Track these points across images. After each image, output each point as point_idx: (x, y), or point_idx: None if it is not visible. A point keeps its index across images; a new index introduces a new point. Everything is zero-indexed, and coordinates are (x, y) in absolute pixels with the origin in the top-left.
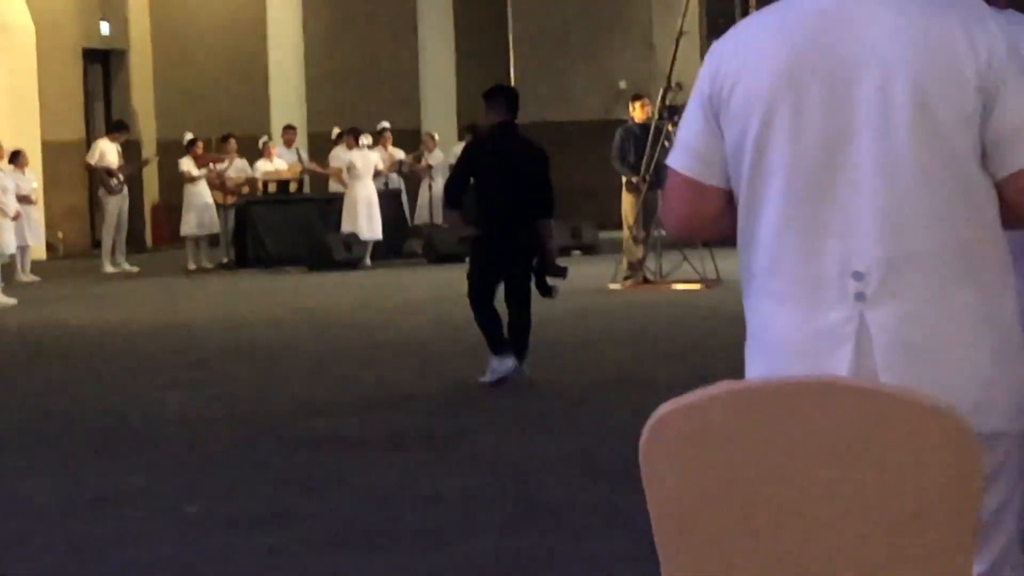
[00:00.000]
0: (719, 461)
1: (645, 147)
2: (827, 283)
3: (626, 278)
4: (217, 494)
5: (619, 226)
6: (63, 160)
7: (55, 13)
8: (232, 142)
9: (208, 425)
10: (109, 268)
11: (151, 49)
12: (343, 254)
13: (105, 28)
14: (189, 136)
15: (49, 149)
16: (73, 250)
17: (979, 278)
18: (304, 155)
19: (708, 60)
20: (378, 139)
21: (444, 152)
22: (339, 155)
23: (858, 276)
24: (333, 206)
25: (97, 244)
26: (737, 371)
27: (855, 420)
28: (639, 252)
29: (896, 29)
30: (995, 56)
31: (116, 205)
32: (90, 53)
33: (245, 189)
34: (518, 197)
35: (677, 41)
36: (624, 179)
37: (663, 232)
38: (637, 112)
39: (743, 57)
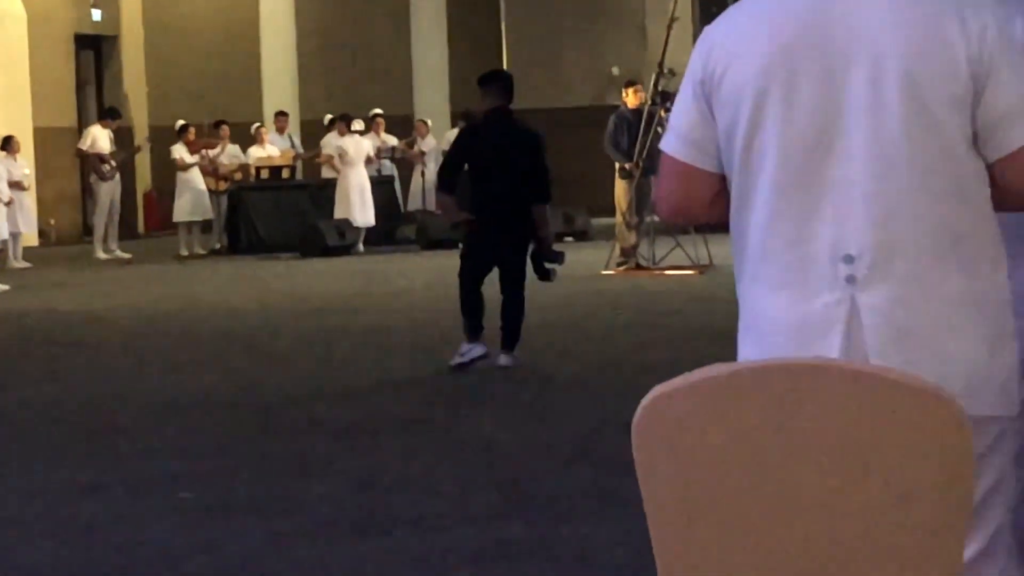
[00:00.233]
0: (712, 443)
1: (638, 133)
2: (818, 267)
3: (619, 264)
4: (210, 480)
5: (612, 212)
6: (55, 146)
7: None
8: (224, 128)
9: (201, 410)
10: (101, 254)
11: (143, 35)
12: (336, 240)
13: (97, 14)
14: (181, 122)
15: (41, 135)
16: (65, 236)
17: (970, 262)
18: (296, 141)
19: (700, 45)
20: (370, 125)
21: (437, 139)
22: (331, 141)
23: (849, 259)
24: (326, 192)
25: (89, 230)
26: (730, 356)
27: (847, 402)
28: (632, 238)
29: (888, 13)
30: (987, 40)
31: (108, 191)
32: (82, 39)
33: (238, 175)
34: (513, 183)
35: (669, 27)
36: (617, 165)
37: (656, 218)
38: (630, 98)
39: (735, 42)
